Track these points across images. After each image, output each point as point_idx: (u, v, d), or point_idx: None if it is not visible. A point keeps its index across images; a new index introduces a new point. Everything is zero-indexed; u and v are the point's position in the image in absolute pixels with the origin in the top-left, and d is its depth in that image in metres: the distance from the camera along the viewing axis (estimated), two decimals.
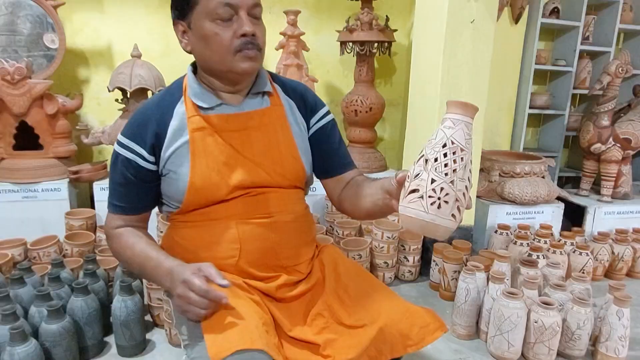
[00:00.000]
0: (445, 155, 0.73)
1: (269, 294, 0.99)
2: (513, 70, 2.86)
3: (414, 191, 0.75)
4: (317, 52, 2.63)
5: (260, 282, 0.99)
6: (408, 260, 2.09)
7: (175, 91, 1.01)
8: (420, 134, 2.20)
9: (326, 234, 2.14)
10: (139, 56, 2.26)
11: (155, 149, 0.95)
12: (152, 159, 0.95)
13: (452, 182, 0.73)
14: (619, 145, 2.50)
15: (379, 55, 2.43)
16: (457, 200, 0.74)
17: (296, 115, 1.05)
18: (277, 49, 2.36)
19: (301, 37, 2.32)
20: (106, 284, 1.67)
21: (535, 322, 1.49)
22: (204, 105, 0.96)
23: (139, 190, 0.98)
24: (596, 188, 2.69)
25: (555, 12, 2.80)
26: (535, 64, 2.80)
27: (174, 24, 0.97)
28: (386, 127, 2.86)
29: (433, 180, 0.73)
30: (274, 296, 1.00)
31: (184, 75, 1.02)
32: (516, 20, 2.74)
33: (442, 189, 0.73)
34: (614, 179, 2.55)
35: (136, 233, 0.99)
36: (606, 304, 1.61)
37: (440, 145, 0.74)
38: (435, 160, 0.74)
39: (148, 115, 0.96)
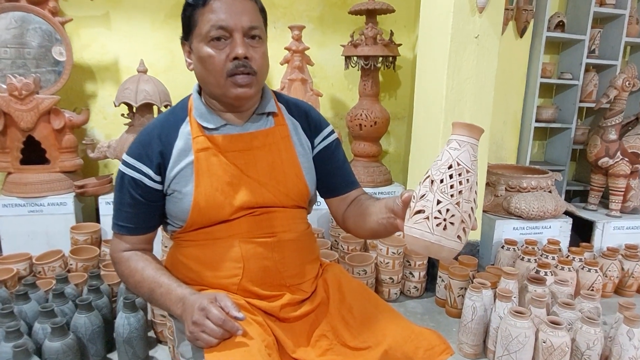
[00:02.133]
0: (451, 176, 0.73)
1: (272, 313, 0.98)
2: (519, 83, 2.85)
3: (419, 212, 0.75)
4: (321, 66, 2.64)
5: (263, 302, 0.98)
6: (414, 276, 2.07)
7: (180, 111, 1.01)
8: (425, 148, 2.19)
9: (331, 249, 2.13)
10: (144, 71, 2.28)
11: (161, 169, 0.95)
12: (158, 178, 0.95)
13: (457, 203, 0.73)
14: (627, 159, 2.47)
15: (384, 69, 2.43)
16: (462, 221, 0.74)
17: (300, 135, 1.05)
18: (281, 64, 2.38)
19: (306, 52, 2.34)
20: (110, 299, 1.67)
21: (544, 342, 1.46)
22: (209, 126, 0.96)
23: (146, 210, 0.97)
24: (604, 202, 2.66)
25: (560, 25, 2.80)
26: (541, 77, 2.79)
27: (182, 44, 0.99)
28: (391, 140, 2.86)
29: (439, 202, 0.73)
30: (277, 316, 0.98)
31: (189, 96, 1.03)
32: (521, 34, 2.74)
33: (447, 210, 0.72)
34: (622, 193, 2.52)
35: (144, 257, 0.99)
36: (616, 323, 1.58)
37: (446, 166, 0.74)
38: (441, 181, 0.73)
39: (153, 135, 0.97)
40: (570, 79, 2.83)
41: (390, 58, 2.36)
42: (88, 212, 2.39)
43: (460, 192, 0.73)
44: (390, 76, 2.77)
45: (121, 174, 0.97)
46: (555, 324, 1.47)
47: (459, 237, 0.74)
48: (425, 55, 2.17)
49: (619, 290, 2.27)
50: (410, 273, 2.07)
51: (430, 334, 0.98)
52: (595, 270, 2.02)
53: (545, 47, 2.75)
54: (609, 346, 1.55)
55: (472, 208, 0.75)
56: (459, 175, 0.73)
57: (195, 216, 0.95)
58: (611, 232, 2.46)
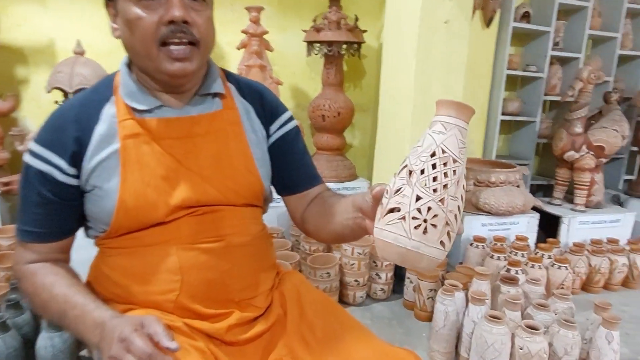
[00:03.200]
0: (434, 166, 0.59)
1: (217, 336, 0.81)
2: (485, 75, 2.78)
3: (393, 210, 0.60)
4: (281, 53, 2.46)
5: (206, 323, 0.81)
6: (380, 278, 1.93)
7: (103, 89, 0.82)
8: (392, 140, 2.06)
9: (292, 250, 1.96)
10: (82, 53, 2.03)
11: (76, 159, 0.76)
12: (72, 171, 0.76)
13: (441, 200, 0.59)
14: (592, 152, 2.44)
15: (348, 57, 2.29)
16: (447, 223, 0.59)
17: (253, 121, 0.88)
18: (238, 49, 2.18)
19: (264, 36, 2.15)
20: (33, 316, 1.43)
21: (521, 349, 1.35)
22: (140, 107, 0.78)
23: (58, 211, 0.78)
24: (568, 197, 2.63)
25: (526, 16, 2.75)
26: (507, 69, 2.73)
27: (106, 6, 0.79)
28: (355, 133, 2.72)
29: (418, 198, 0.58)
30: (223, 339, 0.82)
31: (117, 72, 0.84)
32: (488, 24, 2.67)
33: (429, 208, 0.58)
34: (587, 187, 2.50)
35: (55, 270, 0.79)
36: (592, 325, 1.50)
37: (429, 154, 0.59)
38: (422, 172, 0.59)
39: (68, 118, 0.78)
40: (536, 72, 2.79)
41: (355, 45, 2.21)
42: (14, 213, 2.10)
43: (445, 186, 0.59)
44: (354, 65, 2.62)
45: (26, 167, 0.77)
46: (531, 328, 1.37)
47: (442, 243, 0.60)
48: (392, 42, 2.04)
49: (586, 286, 2.22)
50: (377, 274, 1.93)
51: (405, 354, 0.84)
52: (566, 267, 1.96)
53: (511, 39, 2.68)
54: (585, 349, 1.47)
55: (458, 207, 0.60)
56: (444, 165, 0.59)
57: (121, 218, 0.77)
58: (577, 227, 2.43)
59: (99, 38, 2.25)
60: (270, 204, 0.98)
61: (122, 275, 0.81)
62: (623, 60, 2.99)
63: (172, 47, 0.73)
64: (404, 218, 0.59)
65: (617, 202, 2.78)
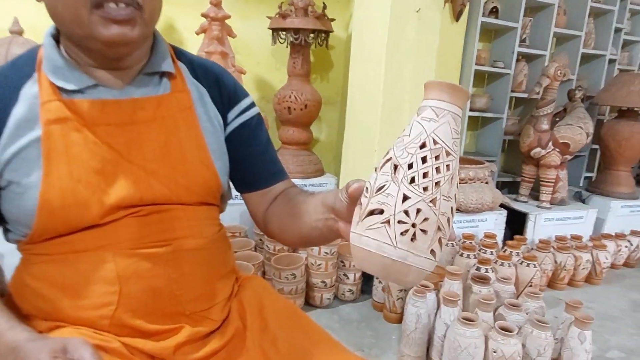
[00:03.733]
0: (424, 160, 0.50)
1: (162, 357, 0.69)
2: (454, 70, 2.74)
3: (375, 212, 0.51)
4: (245, 40, 2.32)
5: (149, 342, 0.69)
6: (348, 278, 1.85)
7: (23, 65, 0.68)
8: (360, 135, 1.97)
9: (255, 250, 1.84)
10: (19, 32, 1.82)
11: None
12: None
13: (433, 201, 0.49)
14: (558, 149, 2.45)
15: (315, 47, 2.18)
16: (439, 228, 0.50)
17: (208, 106, 0.76)
18: (197, 34, 2.03)
19: (226, 22, 2.01)
20: None
21: (494, 352, 1.30)
22: (68, 87, 0.65)
23: None
24: (533, 194, 2.63)
25: (494, 11, 2.72)
26: (475, 64, 2.70)
27: None
28: (322, 127, 2.62)
29: (406, 197, 0.49)
30: None
31: (40, 45, 0.70)
32: (457, 17, 2.61)
33: (418, 210, 0.49)
34: (552, 184, 2.50)
35: None
36: (563, 324, 1.47)
37: (417, 145, 0.50)
38: (410, 167, 0.50)
39: None
40: (503, 68, 2.77)
41: (323, 34, 2.10)
42: None
43: (437, 183, 0.49)
44: (321, 56, 2.52)
45: None
46: (505, 330, 1.32)
47: (432, 252, 0.50)
48: (361, 32, 1.95)
49: (551, 283, 2.23)
50: (345, 275, 1.84)
51: None
52: (534, 264, 1.94)
53: (479, 34, 2.65)
54: (556, 349, 1.44)
55: (452, 208, 0.51)
56: (436, 158, 0.50)
57: (44, 220, 0.63)
58: (542, 223, 2.43)
59: (39, 16, 2.04)
60: (231, 200, 0.86)
61: (49, 287, 0.67)
62: (585, 59, 3.03)
63: (111, 7, 0.59)
64: (388, 222, 0.49)
65: (580, 199, 2.82)
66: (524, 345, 1.36)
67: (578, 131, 2.45)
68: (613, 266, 2.49)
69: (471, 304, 1.56)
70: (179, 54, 0.78)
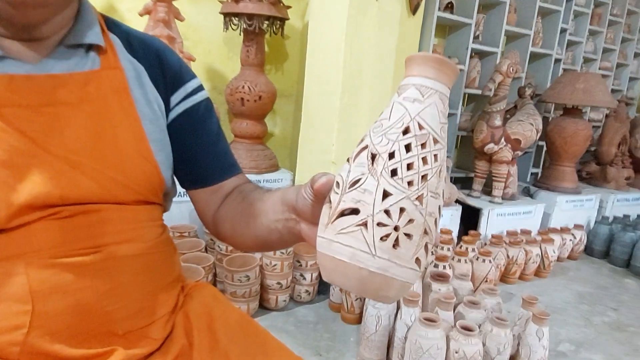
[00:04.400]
0: (408, 148, 0.42)
1: None
2: None
3: (348, 213, 0.42)
4: (195, 26, 2.17)
5: None
6: (305, 279, 1.77)
7: None
8: (318, 129, 1.90)
9: (206, 251, 1.72)
10: None
11: None
12: None
13: (419, 198, 0.41)
14: (509, 145, 2.49)
15: (270, 35, 2.06)
16: (425, 232, 0.42)
17: (147, 88, 0.64)
18: (141, 15, 1.86)
19: (174, 3, 1.85)
20: None
21: (456, 353, 1.27)
22: None
23: None
24: (485, 189, 2.68)
25: (449, 7, 2.72)
26: None
27: None
28: (277, 121, 2.51)
29: (387, 194, 0.41)
30: None
31: None
32: (414, 11, 2.59)
33: (402, 210, 0.41)
34: (504, 179, 2.55)
35: None
36: (520, 320, 1.47)
37: (400, 130, 0.42)
38: (392, 156, 0.41)
39: None
40: (457, 64, 2.78)
41: (278, 21, 1.99)
42: None
43: (424, 176, 0.41)
44: (276, 46, 2.41)
45: None
46: (466, 329, 1.30)
47: (417, 260, 0.42)
48: (319, 22, 1.86)
49: (503, 277, 2.26)
50: (302, 275, 1.76)
51: None
52: (490, 260, 1.95)
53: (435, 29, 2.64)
54: (514, 346, 1.44)
55: (439, 207, 0.43)
56: (422, 146, 0.42)
57: None
58: (495, 218, 2.47)
59: None
60: (179, 197, 0.75)
61: None
62: (534, 57, 3.12)
63: None
64: (365, 224, 0.41)
65: (528, 194, 2.90)
66: (484, 344, 1.34)
67: (529, 127, 2.51)
68: (558, 259, 2.58)
69: (431, 303, 1.53)
70: (111, 25, 0.65)
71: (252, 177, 1.95)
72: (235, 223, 0.67)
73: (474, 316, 1.44)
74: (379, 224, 0.40)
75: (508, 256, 2.20)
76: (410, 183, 0.41)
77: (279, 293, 1.69)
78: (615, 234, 2.74)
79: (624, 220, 2.83)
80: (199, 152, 0.70)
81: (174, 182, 0.70)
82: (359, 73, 1.76)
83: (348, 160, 0.45)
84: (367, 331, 1.39)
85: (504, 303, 1.87)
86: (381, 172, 0.41)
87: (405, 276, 0.42)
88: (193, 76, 0.70)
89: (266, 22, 1.96)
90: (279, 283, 1.68)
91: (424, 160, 0.41)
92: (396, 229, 0.40)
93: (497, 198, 2.55)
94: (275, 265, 1.66)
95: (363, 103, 1.83)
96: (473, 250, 2.04)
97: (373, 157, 0.42)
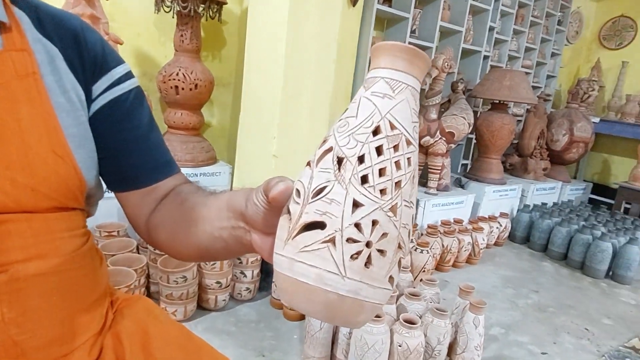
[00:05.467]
0: (379, 151, 0.37)
1: None
2: (350, 55, 2.71)
3: (314, 226, 0.37)
4: (122, 6, 1.99)
5: None
6: (246, 276, 1.71)
7: None
8: (258, 119, 1.83)
9: (137, 251, 1.60)
10: None
11: None
12: None
13: (392, 208, 0.37)
14: (444, 138, 2.58)
15: (206, 20, 1.95)
16: (399, 246, 0.38)
17: (62, 73, 0.54)
18: None
19: None
20: None
21: (400, 346, 1.29)
22: None
23: None
24: (421, 181, 2.76)
25: (388, 0, 2.75)
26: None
27: None
28: (214, 111, 2.40)
29: (357, 205, 0.36)
30: None
31: None
32: (354, 2, 2.58)
33: (374, 223, 0.36)
34: (439, 171, 2.64)
35: None
36: (458, 309, 1.53)
37: (370, 130, 0.38)
38: (361, 160, 0.37)
39: None
40: None
41: (215, 5, 1.88)
42: None
43: (398, 183, 0.37)
44: (213, 32, 2.28)
45: None
46: (409, 322, 1.32)
47: (390, 279, 0.39)
48: (259, 9, 1.78)
49: (438, 266, 2.35)
50: (242, 273, 1.70)
51: None
52: (427, 250, 2.01)
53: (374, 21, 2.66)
54: (452, 334, 1.49)
55: (413, 217, 0.40)
56: (395, 149, 0.38)
57: None
58: (430, 209, 2.55)
59: None
60: (92, 215, 0.65)
61: None
62: (465, 53, 3.25)
63: None
64: (332, 241, 0.36)
65: (460, 185, 3.04)
66: (425, 335, 1.37)
67: (462, 121, 2.61)
68: (487, 246, 2.74)
69: None
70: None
71: (188, 170, 1.84)
72: (174, 230, 0.59)
73: (415, 307, 1.47)
74: (348, 240, 0.36)
75: (443, 245, 2.29)
76: (382, 191, 0.36)
77: (219, 292, 1.62)
78: (534, 221, 2.96)
79: (542, 208, 3.07)
80: (127, 148, 0.61)
81: (99, 183, 0.61)
82: (301, 64, 1.71)
83: (309, 164, 0.40)
84: (312, 329, 1.38)
85: (440, 290, 1.94)
86: (350, 179, 0.36)
87: (378, 297, 0.38)
88: (120, 61, 0.61)
89: (202, 5, 1.84)
90: (218, 282, 1.60)
91: (397, 164, 0.37)
92: (368, 245, 0.36)
93: (433, 189, 2.64)
94: (214, 264, 1.59)
95: (305, 94, 1.79)
96: (412, 241, 2.09)
97: (340, 161, 0.37)
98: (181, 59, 1.88)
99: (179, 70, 1.84)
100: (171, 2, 1.81)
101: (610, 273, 2.55)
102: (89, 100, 0.57)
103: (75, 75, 0.55)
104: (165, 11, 1.86)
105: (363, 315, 0.38)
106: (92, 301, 0.58)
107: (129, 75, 0.61)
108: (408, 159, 0.38)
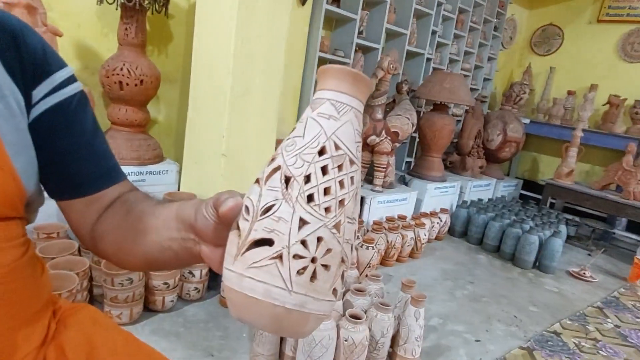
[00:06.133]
0: (324, 171, 0.40)
1: None
2: (298, 55, 2.75)
3: (262, 243, 0.39)
4: None
5: None
6: (194, 276, 1.70)
7: None
8: (206, 118, 1.81)
9: (79, 254, 1.55)
10: None
11: None
12: None
13: (336, 225, 0.40)
14: (389, 137, 2.68)
15: (152, 13, 1.89)
16: (342, 260, 0.41)
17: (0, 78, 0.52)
18: None
19: None
20: None
21: (346, 341, 1.35)
22: None
23: None
24: (368, 178, 2.85)
25: (336, 0, 2.80)
26: (319, 51, 2.75)
27: None
28: (160, 107, 2.33)
29: (304, 222, 0.39)
30: None
31: None
32: (303, 2, 2.61)
33: (319, 239, 0.39)
34: (385, 169, 2.74)
35: None
36: (400, 302, 1.61)
37: (316, 150, 0.40)
38: (308, 180, 0.40)
39: None
40: (343, 57, 2.89)
41: None
42: None
43: (341, 202, 0.40)
44: (159, 26, 2.22)
45: None
46: (355, 317, 1.38)
47: (334, 291, 0.42)
48: (207, 5, 1.76)
49: (382, 261, 2.45)
50: (190, 273, 1.69)
51: None
52: (372, 246, 2.09)
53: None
54: (395, 327, 1.57)
55: (354, 232, 0.43)
56: (339, 168, 0.40)
57: None
58: (376, 206, 2.65)
59: None
60: (31, 222, 0.63)
61: None
62: (409, 55, 3.38)
63: None
64: (280, 257, 0.38)
65: (404, 182, 3.16)
66: (370, 329, 1.45)
67: (406, 121, 2.72)
68: (428, 240, 2.89)
69: None
70: None
71: (133, 169, 1.80)
72: (120, 240, 0.59)
73: (361, 302, 1.54)
74: (295, 256, 0.38)
75: (387, 241, 2.39)
76: (327, 209, 0.39)
77: (166, 293, 1.60)
78: (471, 216, 3.15)
79: (478, 204, 3.27)
80: (70, 156, 0.59)
81: (40, 190, 0.59)
82: (251, 62, 1.72)
83: (257, 181, 0.42)
84: None
85: (384, 285, 2.03)
86: (297, 198, 0.38)
87: (322, 309, 0.41)
88: (62, 64, 0.59)
89: None
90: (165, 283, 1.59)
91: (341, 183, 0.40)
92: (313, 260, 0.38)
93: (378, 187, 2.74)
94: None
95: (254, 93, 1.79)
96: (358, 237, 2.16)
97: (287, 180, 0.39)
98: (125, 53, 1.82)
99: (124, 65, 1.78)
100: None
101: (537, 263, 2.78)
102: (29, 106, 0.55)
103: (14, 79, 0.53)
104: (108, 3, 1.79)
105: (309, 326, 0.41)
106: (33, 312, 0.57)
107: (71, 80, 0.59)
108: (351, 178, 0.41)
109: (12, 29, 0.54)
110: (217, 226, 0.46)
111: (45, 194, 0.62)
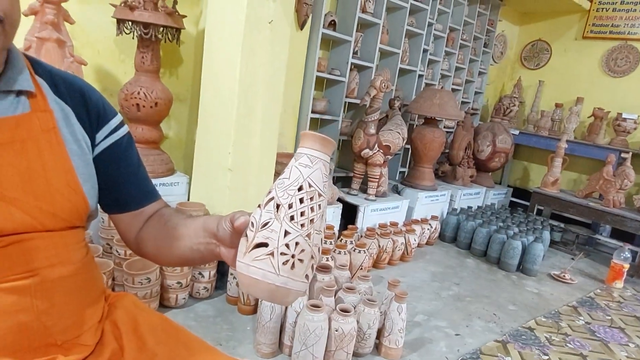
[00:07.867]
0: (301, 201, 0.62)
1: None
2: (297, 75, 2.97)
3: (261, 245, 0.61)
4: (83, 27, 2.12)
5: None
6: (204, 276, 1.91)
7: None
8: (214, 136, 2.03)
9: (103, 256, 1.76)
10: None
11: None
12: None
13: (308, 235, 0.62)
14: (381, 151, 2.89)
15: (165, 42, 2.12)
16: (312, 257, 0.63)
17: (74, 127, 0.73)
18: (26, 15, 1.78)
19: (63, 5, 1.82)
20: None
21: (336, 331, 1.55)
22: None
23: None
24: (363, 187, 3.06)
25: (332, 24, 3.03)
26: (316, 71, 2.97)
27: None
28: (171, 124, 2.56)
29: (287, 233, 0.61)
30: None
31: None
32: (301, 26, 2.84)
33: (297, 244, 0.61)
34: (377, 179, 2.95)
35: None
36: (386, 299, 1.82)
37: (296, 187, 0.62)
38: (290, 207, 0.61)
39: None
40: (339, 76, 3.12)
41: (174, 30, 2.07)
42: None
43: (311, 220, 0.62)
44: (171, 51, 2.45)
45: None
46: (344, 311, 1.59)
47: (306, 276, 0.64)
48: (216, 35, 1.99)
49: (375, 264, 2.66)
50: (200, 273, 1.90)
51: None
52: (364, 251, 2.30)
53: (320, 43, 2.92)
54: (381, 321, 1.78)
55: (321, 239, 0.65)
56: (311, 199, 0.62)
57: None
58: (369, 214, 2.86)
59: None
60: (88, 228, 0.85)
61: None
62: (402, 72, 3.60)
63: None
64: (272, 254, 0.60)
65: (396, 191, 3.37)
66: (358, 322, 1.65)
67: (397, 136, 2.94)
68: (419, 245, 3.09)
69: (316, 291, 1.80)
70: (37, 67, 0.73)
71: None
72: (159, 245, 0.80)
73: (351, 299, 1.75)
74: (281, 254, 0.60)
75: (379, 246, 2.60)
76: (302, 225, 0.61)
77: (179, 292, 1.81)
78: (461, 222, 3.35)
79: (468, 211, 3.47)
80: (122, 181, 0.81)
81: (97, 207, 0.81)
82: (253, 86, 1.94)
83: (259, 206, 0.64)
84: (263, 319, 1.61)
85: (375, 285, 2.24)
86: (283, 218, 0.60)
87: (299, 287, 0.63)
88: (114, 113, 0.81)
89: (162, 29, 2.02)
90: (179, 282, 1.80)
91: (312, 209, 0.62)
92: (293, 256, 0.61)
93: (372, 196, 2.95)
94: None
95: (257, 113, 2.01)
96: (351, 242, 2.37)
97: (277, 206, 0.61)
98: (142, 79, 2.05)
99: (140, 89, 2.01)
100: (132, 26, 1.98)
101: (520, 267, 2.97)
102: (93, 145, 0.77)
103: (84, 126, 0.75)
104: (126, 33, 2.02)
105: (291, 298, 0.64)
106: (94, 297, 0.79)
107: (121, 124, 0.81)
108: (319, 205, 0.63)
109: (80, 88, 0.77)
110: (232, 234, 0.68)
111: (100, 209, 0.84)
